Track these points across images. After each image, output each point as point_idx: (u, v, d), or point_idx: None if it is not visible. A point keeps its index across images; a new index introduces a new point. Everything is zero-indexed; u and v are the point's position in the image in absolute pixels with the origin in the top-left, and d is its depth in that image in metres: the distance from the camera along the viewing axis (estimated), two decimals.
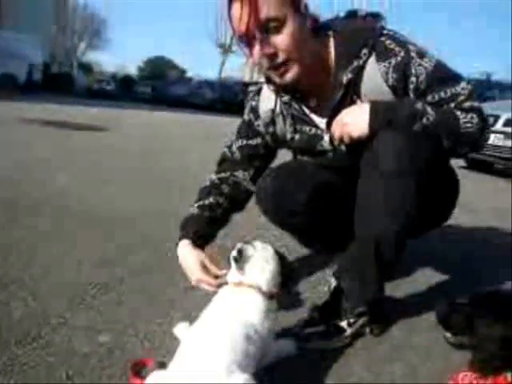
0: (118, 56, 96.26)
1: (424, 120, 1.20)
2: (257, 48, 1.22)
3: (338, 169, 1.47)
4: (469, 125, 1.22)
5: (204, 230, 1.48)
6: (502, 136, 5.87)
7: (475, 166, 6.48)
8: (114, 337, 1.19)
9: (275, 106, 1.44)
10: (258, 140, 1.53)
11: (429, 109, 1.21)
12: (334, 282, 1.37)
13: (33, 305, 1.33)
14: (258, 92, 1.51)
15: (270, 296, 1.11)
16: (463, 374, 1.06)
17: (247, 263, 1.13)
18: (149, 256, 1.76)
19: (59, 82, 21.48)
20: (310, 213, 1.46)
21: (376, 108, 1.22)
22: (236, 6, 1.19)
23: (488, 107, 6.55)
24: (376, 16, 1.36)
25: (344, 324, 1.28)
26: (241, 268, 1.12)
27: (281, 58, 1.23)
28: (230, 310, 1.07)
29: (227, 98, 17.43)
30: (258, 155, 1.55)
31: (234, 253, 1.13)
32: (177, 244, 1.47)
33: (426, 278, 1.85)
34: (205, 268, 1.38)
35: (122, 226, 2.09)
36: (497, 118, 6.00)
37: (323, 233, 1.59)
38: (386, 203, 1.22)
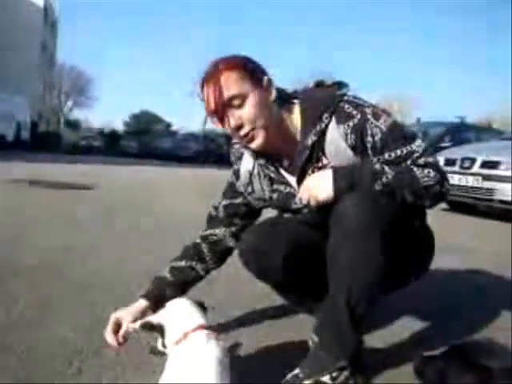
0: (104, 112, 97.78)
1: (383, 179, 1.30)
2: (226, 121, 1.39)
3: (316, 224, 1.55)
4: (426, 179, 1.33)
5: (163, 292, 1.56)
6: (479, 178, 6.08)
7: (457, 208, 6.64)
8: None
9: (252, 168, 1.57)
10: (241, 199, 1.65)
11: (386, 168, 1.32)
12: (315, 338, 1.42)
13: (21, 374, 1.35)
14: (240, 157, 1.63)
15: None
16: None
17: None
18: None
19: (47, 140, 21.77)
20: (287, 268, 1.54)
21: (337, 174, 1.33)
22: (205, 90, 1.38)
23: (465, 150, 6.84)
24: (340, 84, 1.50)
25: (327, 379, 1.32)
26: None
27: (246, 127, 1.38)
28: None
29: (211, 150, 17.81)
30: (240, 213, 1.66)
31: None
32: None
33: (409, 326, 1.90)
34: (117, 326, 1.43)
35: (106, 291, 2.13)
36: (473, 160, 6.23)
37: (302, 286, 1.66)
38: (350, 263, 1.31)
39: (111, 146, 24.14)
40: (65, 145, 22.86)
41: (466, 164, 6.28)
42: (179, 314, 1.18)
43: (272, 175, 1.54)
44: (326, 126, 1.41)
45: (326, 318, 1.39)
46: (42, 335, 1.60)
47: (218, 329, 1.62)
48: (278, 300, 1.92)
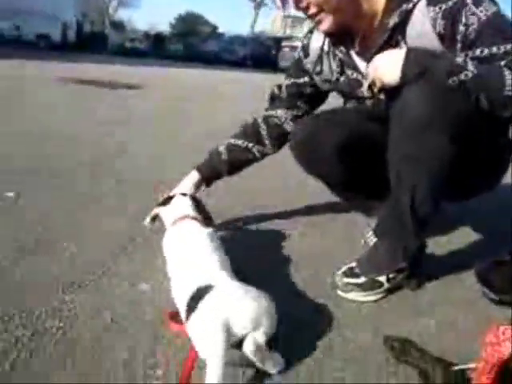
0: (149, 14, 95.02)
1: (462, 76, 1.11)
2: (290, 1, 1.27)
3: (379, 118, 1.42)
4: None
5: (216, 167, 1.57)
6: None
7: None
8: (155, 286, 1.23)
9: (323, 44, 1.44)
10: (306, 79, 1.53)
11: (470, 64, 1.12)
12: (372, 237, 1.35)
13: (77, 255, 1.38)
14: (311, 31, 1.50)
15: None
16: (504, 328, 1.04)
17: None
18: None
19: (93, 41, 21.57)
20: (341, 161, 1.44)
21: (412, 54, 1.16)
22: None
23: None
24: None
25: (383, 279, 1.27)
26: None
27: (312, 10, 1.27)
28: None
29: (259, 54, 17.10)
30: (303, 95, 1.55)
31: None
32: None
33: (467, 235, 1.81)
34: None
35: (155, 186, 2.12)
36: None
37: (358, 183, 1.56)
38: (412, 160, 1.18)
39: (156, 49, 23.70)
40: (111, 46, 22.61)
41: None
42: (174, 207, 1.34)
43: (342, 57, 1.41)
44: (414, 5, 1.22)
45: (388, 218, 1.31)
46: (96, 222, 1.64)
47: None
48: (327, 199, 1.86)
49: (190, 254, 1.13)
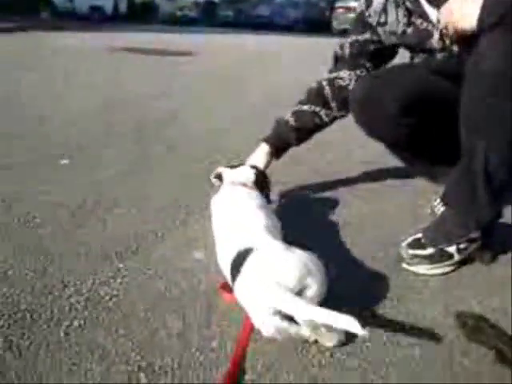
0: None
1: None
2: None
3: (450, 73, 1.28)
4: None
5: (284, 135, 1.48)
6: None
7: None
8: (209, 254, 1.19)
9: None
10: (368, 35, 1.40)
11: None
12: (440, 206, 1.24)
13: (130, 222, 1.37)
14: None
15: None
16: None
17: None
18: None
19: (144, 11, 21.69)
20: (405, 120, 1.31)
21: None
22: None
23: None
24: None
25: (452, 250, 1.17)
26: None
27: None
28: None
29: (312, 17, 16.50)
30: (367, 52, 1.43)
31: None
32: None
33: None
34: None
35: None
36: None
37: (424, 146, 1.43)
38: (487, 120, 1.05)
39: (207, 16, 23.48)
40: (161, 15, 22.64)
41: None
42: (236, 174, 1.31)
43: (409, 5, 1.27)
44: None
45: (458, 184, 1.18)
46: (149, 189, 1.62)
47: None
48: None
49: (234, 217, 1.07)
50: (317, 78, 1.52)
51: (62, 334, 0.90)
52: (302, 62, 5.83)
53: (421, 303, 1.04)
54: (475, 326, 0.92)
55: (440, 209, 1.25)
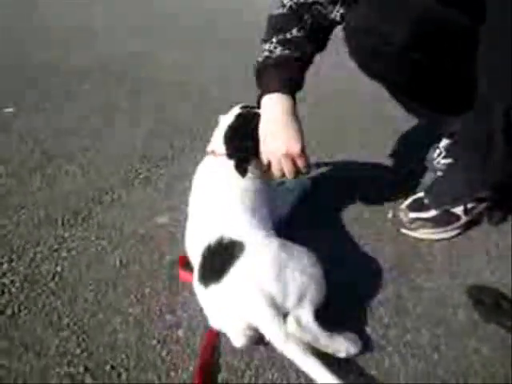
0: None
1: None
2: None
3: (465, 5, 1.06)
4: None
5: (296, 74, 1.09)
6: None
7: None
8: (174, 217, 1.00)
9: None
10: None
11: None
12: (444, 160, 1.07)
13: (82, 180, 1.16)
14: None
15: None
16: None
17: None
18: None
19: None
20: (410, 58, 1.08)
21: None
22: None
23: None
24: None
25: (459, 210, 1.01)
26: None
27: None
28: None
29: None
30: None
31: None
32: (260, 96, 1.07)
33: None
34: None
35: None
36: None
37: (432, 90, 1.22)
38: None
39: None
40: None
41: None
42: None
43: None
44: None
45: (468, 136, 1.02)
46: (105, 139, 1.40)
47: None
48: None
49: (218, 195, 0.87)
50: None
51: None
52: None
53: (426, 274, 0.89)
54: (495, 305, 0.78)
55: (444, 163, 1.08)
